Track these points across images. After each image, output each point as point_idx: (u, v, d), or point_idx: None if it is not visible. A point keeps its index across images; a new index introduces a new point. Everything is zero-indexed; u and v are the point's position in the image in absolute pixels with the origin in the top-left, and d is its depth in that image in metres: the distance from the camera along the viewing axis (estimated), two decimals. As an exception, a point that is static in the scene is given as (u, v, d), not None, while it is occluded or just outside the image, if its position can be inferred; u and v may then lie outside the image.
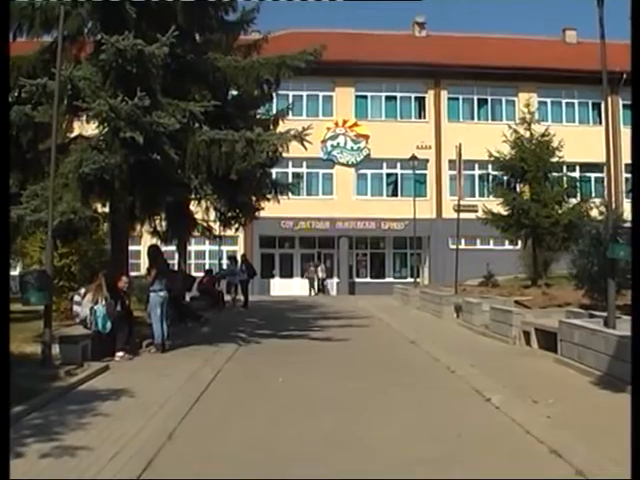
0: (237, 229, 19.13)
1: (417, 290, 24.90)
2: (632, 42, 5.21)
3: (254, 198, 16.63)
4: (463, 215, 22.24)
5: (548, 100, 34.83)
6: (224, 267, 28.15)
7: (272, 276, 35.02)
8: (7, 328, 5.34)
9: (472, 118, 35.03)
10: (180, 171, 12.32)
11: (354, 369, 10.50)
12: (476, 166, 33.14)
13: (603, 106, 5.81)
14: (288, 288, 33.91)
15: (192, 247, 30.43)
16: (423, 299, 22.42)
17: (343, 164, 34.59)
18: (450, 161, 30.64)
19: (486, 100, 35.24)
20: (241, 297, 23.89)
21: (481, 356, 11.45)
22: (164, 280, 12.08)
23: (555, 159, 22.82)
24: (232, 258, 25.92)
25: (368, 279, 35.09)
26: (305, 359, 11.53)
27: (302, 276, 34.87)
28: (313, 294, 33.45)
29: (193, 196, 15.26)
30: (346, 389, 8.72)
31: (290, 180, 27.06)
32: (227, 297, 24.06)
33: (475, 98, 35.16)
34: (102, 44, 11.40)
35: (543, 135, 23.06)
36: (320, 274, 34.51)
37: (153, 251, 12.70)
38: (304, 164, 33.48)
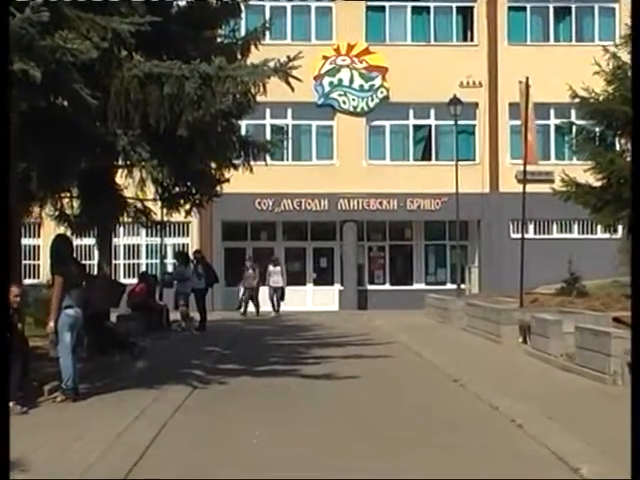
0: (189, 212, 19.14)
1: (462, 302, 25.09)
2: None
3: (214, 165, 16.58)
4: (531, 187, 22.16)
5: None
6: (169, 270, 28.10)
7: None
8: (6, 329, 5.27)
9: (546, 39, 35.04)
10: (100, 124, 12.25)
11: (367, 424, 10.48)
12: (552, 112, 33.27)
13: None
14: (267, 299, 33.62)
15: (120, 240, 30.42)
16: (471, 315, 22.64)
17: (348, 112, 34.54)
18: (511, 105, 30.52)
19: (568, 10, 35.16)
20: (195, 314, 23.84)
21: (563, 403, 11.48)
22: (76, 291, 11.98)
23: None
24: (181, 255, 25.87)
25: (387, 286, 35.23)
26: (293, 408, 11.54)
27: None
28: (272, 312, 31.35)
29: (121, 162, 15.23)
30: (355, 458, 8.62)
31: (268, 137, 27.07)
32: (174, 315, 24.01)
33: (551, 7, 35.06)
34: None
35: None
36: (275, 279, 31.50)
37: (59, 246, 12.55)
38: (289, 112, 33.53)
